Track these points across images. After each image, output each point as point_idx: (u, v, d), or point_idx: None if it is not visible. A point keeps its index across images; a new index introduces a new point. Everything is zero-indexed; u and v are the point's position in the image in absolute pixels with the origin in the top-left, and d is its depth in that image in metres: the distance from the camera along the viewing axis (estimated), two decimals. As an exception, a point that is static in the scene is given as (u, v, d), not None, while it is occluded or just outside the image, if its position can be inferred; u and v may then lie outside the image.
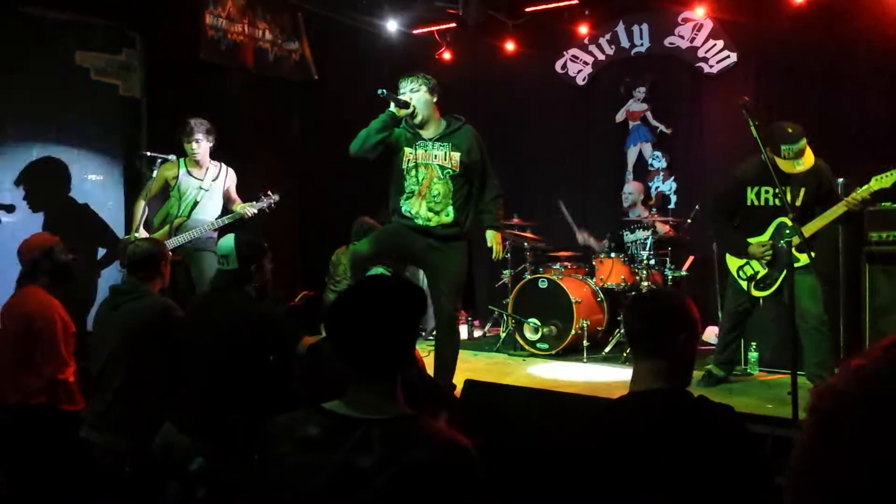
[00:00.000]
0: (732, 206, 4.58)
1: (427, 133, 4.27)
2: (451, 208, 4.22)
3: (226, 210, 5.26)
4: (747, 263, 4.52)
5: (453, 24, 7.55)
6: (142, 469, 3.10)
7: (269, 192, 5.16)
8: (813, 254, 4.06)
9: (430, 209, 4.21)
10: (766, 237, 4.44)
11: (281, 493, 1.49)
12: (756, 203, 4.46)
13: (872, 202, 4.65)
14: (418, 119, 4.22)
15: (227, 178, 5.28)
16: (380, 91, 4.11)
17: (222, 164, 5.30)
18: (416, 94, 4.21)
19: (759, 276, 4.48)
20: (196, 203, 5.16)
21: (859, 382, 0.59)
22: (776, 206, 4.35)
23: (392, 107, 4.15)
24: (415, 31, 7.85)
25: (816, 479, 0.58)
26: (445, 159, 4.21)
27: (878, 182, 4.14)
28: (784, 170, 4.19)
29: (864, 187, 4.15)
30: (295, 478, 1.47)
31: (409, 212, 4.24)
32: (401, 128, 4.28)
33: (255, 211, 5.13)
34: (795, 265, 4.01)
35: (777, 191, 4.04)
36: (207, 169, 5.23)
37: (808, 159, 4.22)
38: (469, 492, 1.43)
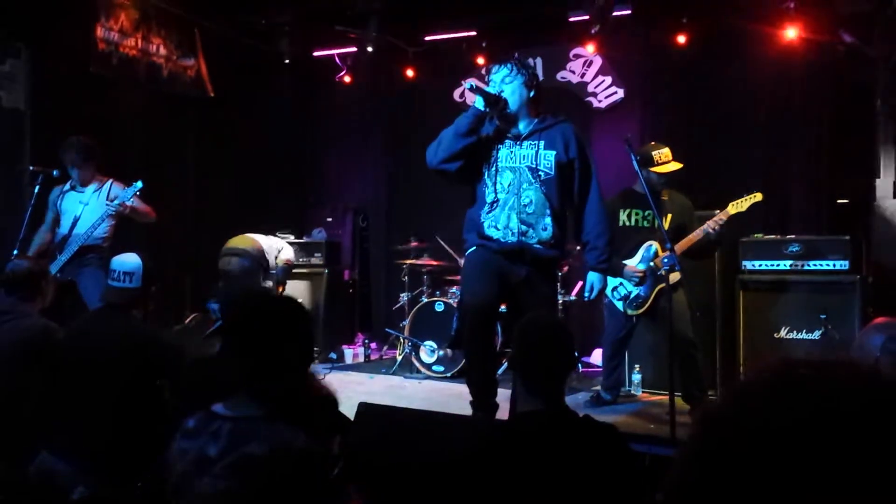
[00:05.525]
0: None
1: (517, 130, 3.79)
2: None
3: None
4: (621, 284, 4.78)
5: (354, 49, 7.60)
6: (18, 498, 2.94)
7: (133, 183, 4.93)
8: (677, 270, 4.37)
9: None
10: (637, 259, 4.72)
11: (168, 472, 1.78)
12: (627, 223, 4.78)
13: (745, 232, 5.08)
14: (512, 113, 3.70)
15: (110, 191, 5.09)
16: (468, 84, 3.65)
17: (108, 179, 5.12)
18: (508, 85, 3.68)
19: (632, 296, 4.74)
20: (77, 218, 4.97)
21: (735, 401, 0.60)
22: (645, 228, 4.73)
23: (479, 103, 3.60)
24: (315, 53, 7.85)
25: (688, 495, 0.59)
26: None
27: (735, 207, 4.60)
28: (661, 171, 4.57)
29: (722, 212, 4.59)
30: (176, 458, 1.77)
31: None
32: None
33: (129, 203, 4.89)
34: (667, 283, 4.27)
35: (647, 213, 4.58)
36: (91, 185, 5.07)
37: (676, 165, 4.66)
38: (299, 487, 1.65)
